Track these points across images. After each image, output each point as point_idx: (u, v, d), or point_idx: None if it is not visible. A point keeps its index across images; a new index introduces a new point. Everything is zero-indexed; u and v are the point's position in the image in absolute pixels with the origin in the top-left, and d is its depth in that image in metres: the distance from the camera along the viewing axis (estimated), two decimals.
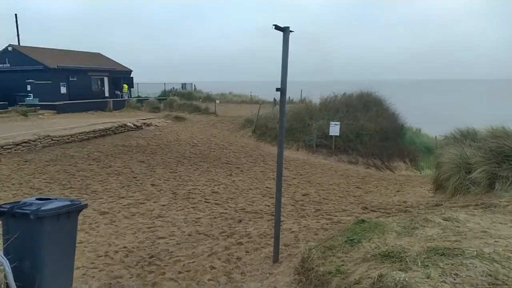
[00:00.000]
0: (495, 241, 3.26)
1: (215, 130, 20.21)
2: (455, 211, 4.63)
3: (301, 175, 12.36)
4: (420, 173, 16.16)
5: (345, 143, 17.28)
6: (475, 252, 2.92)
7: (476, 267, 2.64)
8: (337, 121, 17.28)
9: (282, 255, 5.02)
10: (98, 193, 8.79)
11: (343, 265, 3.33)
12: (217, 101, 30.38)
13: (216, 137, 17.86)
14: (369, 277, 2.82)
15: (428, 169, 15.04)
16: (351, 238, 3.85)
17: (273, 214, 5.88)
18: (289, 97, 30.00)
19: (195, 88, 44.33)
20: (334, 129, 16.86)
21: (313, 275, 3.52)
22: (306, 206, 8.48)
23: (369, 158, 16.91)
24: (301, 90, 26.45)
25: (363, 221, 4.35)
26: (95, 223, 6.77)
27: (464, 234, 3.44)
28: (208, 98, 35.59)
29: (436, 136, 17.25)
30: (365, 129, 17.79)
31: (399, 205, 8.69)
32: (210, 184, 9.97)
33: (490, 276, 2.52)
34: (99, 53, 34.97)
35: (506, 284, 2.42)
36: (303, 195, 9.54)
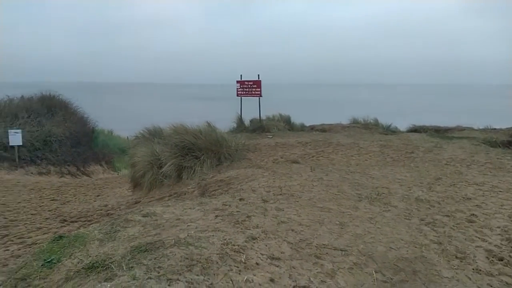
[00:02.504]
0: (188, 225, 3.68)
1: None
2: (153, 206, 4.94)
3: None
4: (118, 174, 16.48)
5: (31, 152, 15.29)
6: (173, 241, 3.19)
7: (175, 254, 2.87)
8: (18, 129, 15.06)
9: None
10: None
11: None
12: None
13: None
14: None
15: (125, 169, 15.54)
16: (49, 260, 3.39)
17: None
18: None
19: None
20: (15, 138, 14.64)
21: None
22: None
23: (62, 166, 15.69)
24: None
25: (61, 237, 3.92)
26: None
27: (162, 226, 3.69)
28: None
29: (128, 137, 18.00)
30: (53, 135, 16.32)
31: (100, 210, 8.54)
32: None
33: (187, 259, 2.80)
34: None
35: (200, 262, 2.76)
36: None
